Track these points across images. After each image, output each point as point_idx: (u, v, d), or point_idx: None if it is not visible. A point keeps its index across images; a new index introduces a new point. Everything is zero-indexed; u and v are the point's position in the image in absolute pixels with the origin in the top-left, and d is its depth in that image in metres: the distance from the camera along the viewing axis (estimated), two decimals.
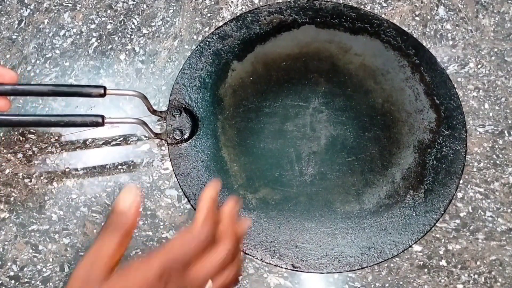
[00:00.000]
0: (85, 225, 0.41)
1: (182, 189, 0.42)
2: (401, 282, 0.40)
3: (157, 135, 0.42)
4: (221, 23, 0.49)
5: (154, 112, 0.43)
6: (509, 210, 0.43)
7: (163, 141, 0.43)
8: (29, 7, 0.49)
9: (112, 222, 0.29)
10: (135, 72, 0.47)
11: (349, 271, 0.40)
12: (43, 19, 0.49)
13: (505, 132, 0.47)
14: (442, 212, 0.42)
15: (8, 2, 0.49)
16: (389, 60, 0.48)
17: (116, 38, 0.48)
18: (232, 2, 0.51)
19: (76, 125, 0.38)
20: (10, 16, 0.48)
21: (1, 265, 0.39)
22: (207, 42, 0.47)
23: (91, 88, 0.38)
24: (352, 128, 0.45)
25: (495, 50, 0.50)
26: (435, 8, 0.52)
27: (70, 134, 0.44)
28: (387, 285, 0.40)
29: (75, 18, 0.49)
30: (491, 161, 0.45)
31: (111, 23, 0.49)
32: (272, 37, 0.48)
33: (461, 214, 0.43)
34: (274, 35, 0.48)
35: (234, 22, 0.48)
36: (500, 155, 0.46)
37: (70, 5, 0.49)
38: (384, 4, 0.51)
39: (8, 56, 0.47)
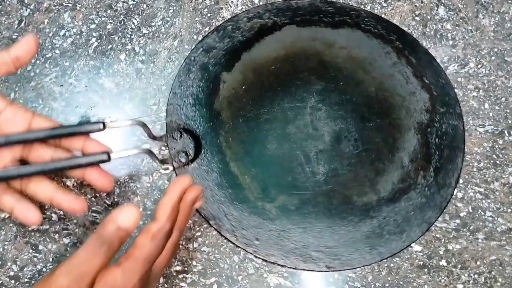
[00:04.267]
0: (85, 225, 0.41)
1: (199, 212, 0.41)
2: (401, 282, 0.40)
3: (163, 162, 0.42)
4: (221, 23, 0.49)
5: (154, 138, 0.41)
6: (509, 210, 0.43)
7: (169, 165, 0.42)
8: (29, 7, 0.49)
9: (107, 233, 0.27)
10: (135, 72, 0.47)
11: (382, 260, 0.40)
12: (43, 19, 0.49)
13: (505, 132, 0.47)
14: (454, 186, 0.43)
15: (8, 2, 0.49)
16: (374, 48, 0.48)
17: (116, 38, 0.48)
18: (232, 2, 0.51)
19: (82, 166, 0.36)
20: (10, 16, 0.48)
21: (1, 265, 0.39)
22: (193, 58, 0.46)
23: (89, 126, 0.36)
24: (352, 120, 0.45)
25: (495, 50, 0.50)
26: (435, 8, 0.52)
27: None
28: (387, 285, 0.40)
29: (75, 18, 0.49)
30: (491, 161, 0.45)
31: (111, 23, 0.49)
32: (256, 43, 0.47)
33: (461, 214, 0.43)
34: (257, 40, 0.48)
35: (215, 33, 0.47)
36: (500, 155, 0.46)
37: (70, 5, 0.49)
38: (384, 4, 0.51)
39: None
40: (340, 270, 0.40)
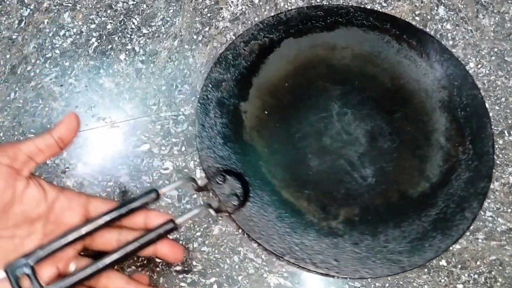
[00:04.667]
0: None
1: (269, 249, 0.39)
2: (401, 282, 0.40)
3: (217, 211, 0.39)
4: (221, 23, 0.49)
5: (201, 189, 0.40)
6: (509, 210, 0.43)
7: (225, 213, 0.41)
8: (29, 7, 0.49)
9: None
10: (135, 72, 0.47)
11: (457, 241, 0.40)
12: (43, 19, 0.49)
13: (505, 132, 0.47)
14: (493, 153, 0.43)
15: (8, 2, 0.49)
16: (374, 41, 0.48)
17: (116, 38, 0.48)
18: (232, 2, 0.51)
19: (153, 242, 0.34)
20: (10, 16, 0.48)
21: None
22: (205, 96, 0.44)
23: (143, 198, 0.35)
24: (379, 116, 0.45)
25: (495, 50, 0.50)
26: (435, 8, 0.52)
27: None
28: (387, 285, 0.40)
29: (75, 18, 0.49)
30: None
31: (111, 23, 0.49)
32: (261, 65, 0.46)
33: None
34: (262, 61, 0.47)
35: (218, 66, 0.45)
36: (500, 155, 0.46)
37: (70, 5, 0.49)
38: (384, 4, 0.51)
39: (8, 56, 0.47)
40: (422, 265, 0.40)
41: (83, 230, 0.33)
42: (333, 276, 0.39)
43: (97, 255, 0.35)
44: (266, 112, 0.44)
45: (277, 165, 0.43)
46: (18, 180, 0.32)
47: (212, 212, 0.38)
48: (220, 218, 0.41)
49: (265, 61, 0.47)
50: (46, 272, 0.33)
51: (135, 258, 0.40)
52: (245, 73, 0.46)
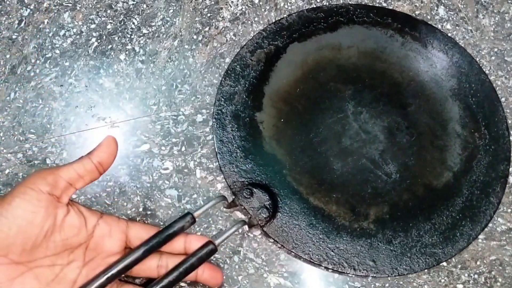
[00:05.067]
0: None
1: (305, 258, 0.39)
2: (401, 282, 0.40)
3: (250, 226, 0.40)
4: (221, 23, 0.49)
5: (230, 206, 0.40)
6: (509, 210, 0.43)
7: (257, 227, 0.41)
8: (29, 7, 0.49)
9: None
10: (135, 72, 0.47)
11: (487, 226, 0.41)
12: (43, 19, 0.49)
13: (505, 132, 0.46)
14: (508, 135, 0.45)
15: (8, 2, 0.49)
16: (377, 37, 0.49)
17: (116, 38, 0.48)
18: (232, 2, 0.51)
19: (196, 267, 0.35)
20: (10, 16, 0.48)
21: None
22: (219, 111, 0.44)
23: (180, 223, 0.35)
24: (394, 111, 0.46)
25: (495, 50, 0.50)
26: (435, 8, 0.52)
27: (70, 134, 0.44)
28: (387, 285, 0.40)
29: (75, 18, 0.49)
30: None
31: (111, 23, 0.49)
32: (270, 73, 0.46)
33: None
34: (270, 69, 0.46)
35: (227, 79, 0.45)
36: None
37: (70, 5, 0.49)
38: (384, 4, 0.51)
39: (8, 56, 0.47)
40: (456, 255, 0.40)
41: (126, 263, 0.33)
42: (373, 277, 0.39)
43: (142, 284, 0.36)
44: (282, 120, 0.44)
45: (301, 172, 0.43)
46: (58, 208, 0.32)
47: (246, 228, 0.39)
48: (220, 218, 0.41)
49: (273, 68, 0.47)
50: None
51: None
52: (256, 83, 0.46)
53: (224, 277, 0.39)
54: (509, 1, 0.53)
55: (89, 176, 0.33)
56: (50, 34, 0.48)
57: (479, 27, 0.51)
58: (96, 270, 0.33)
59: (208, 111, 0.46)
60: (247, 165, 0.42)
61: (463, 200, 0.42)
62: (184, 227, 0.35)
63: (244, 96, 0.45)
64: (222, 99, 0.44)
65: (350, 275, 0.40)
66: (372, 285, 0.40)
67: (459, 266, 0.41)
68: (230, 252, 0.40)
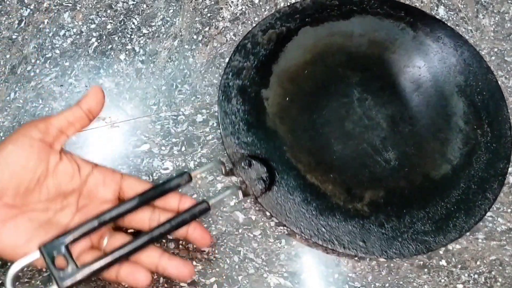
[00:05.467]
0: None
1: (296, 232, 0.39)
2: (401, 282, 0.40)
3: (245, 195, 0.40)
4: (221, 23, 0.49)
5: (227, 174, 0.40)
6: (509, 210, 0.43)
7: (252, 197, 0.41)
8: (29, 7, 0.49)
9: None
10: (135, 72, 0.47)
11: (481, 220, 0.41)
12: (43, 19, 0.49)
13: None
14: (510, 134, 0.44)
15: (8, 2, 0.49)
16: (389, 28, 0.49)
17: (116, 38, 0.48)
18: (232, 2, 0.51)
19: (187, 222, 0.35)
20: (10, 16, 0.48)
21: (1, 265, 0.39)
22: (226, 84, 0.44)
23: (177, 180, 0.36)
24: (399, 101, 0.46)
25: (495, 50, 0.50)
26: (435, 8, 0.52)
27: None
28: (387, 285, 0.40)
29: (75, 18, 0.49)
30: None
31: (111, 23, 0.49)
32: (280, 53, 0.47)
33: None
34: (280, 50, 0.47)
35: (237, 54, 0.46)
36: None
37: (70, 5, 0.49)
38: None
39: (8, 56, 0.47)
40: (447, 244, 0.41)
41: (119, 211, 0.34)
42: (361, 257, 0.40)
43: (132, 232, 0.37)
44: (287, 99, 0.45)
45: (301, 150, 0.43)
46: (51, 154, 0.33)
47: (240, 195, 0.39)
48: (220, 218, 0.41)
49: (283, 49, 0.47)
50: (80, 244, 0.33)
51: None
52: (265, 61, 0.46)
53: (224, 277, 0.39)
54: (509, 1, 0.53)
55: (79, 123, 0.34)
56: (50, 34, 0.48)
57: (479, 27, 0.51)
58: (89, 216, 0.34)
59: (208, 111, 0.46)
60: (248, 138, 0.43)
61: (459, 193, 0.42)
62: (180, 184, 0.36)
63: (252, 73, 0.45)
64: (230, 73, 0.45)
65: (340, 253, 0.40)
66: (372, 285, 0.40)
67: (459, 266, 0.41)
68: (230, 252, 0.40)
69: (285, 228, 0.42)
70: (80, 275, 0.31)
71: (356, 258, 0.41)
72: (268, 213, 0.42)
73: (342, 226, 0.40)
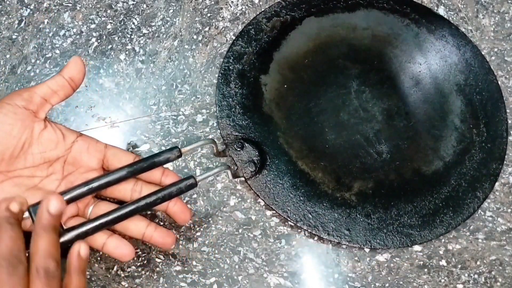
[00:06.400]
0: None
1: (283, 215, 0.40)
2: (401, 282, 0.40)
3: (234, 176, 0.41)
4: (221, 23, 0.49)
5: (219, 154, 0.41)
6: (509, 210, 0.43)
7: (241, 179, 0.41)
8: (29, 7, 0.49)
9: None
10: (135, 72, 0.47)
11: (469, 218, 0.42)
12: (43, 19, 0.49)
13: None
14: (506, 136, 0.45)
15: (8, 2, 0.49)
16: (394, 23, 0.49)
17: (116, 38, 0.48)
18: (232, 2, 0.51)
19: (173, 196, 0.35)
20: (10, 16, 0.48)
21: None
22: (227, 67, 0.46)
23: (166, 154, 0.36)
24: (397, 95, 0.47)
25: (495, 50, 0.50)
26: (435, 8, 0.52)
27: None
28: (387, 285, 0.40)
29: (75, 18, 0.49)
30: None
31: (111, 23, 0.49)
32: (283, 41, 0.48)
33: None
34: (283, 37, 0.48)
35: (240, 39, 0.47)
36: None
37: (70, 5, 0.49)
38: None
39: (8, 56, 0.47)
40: (432, 239, 0.41)
41: (108, 179, 0.34)
42: (344, 245, 0.40)
43: (117, 203, 0.37)
44: (285, 86, 0.46)
45: (295, 136, 0.44)
46: (35, 122, 0.33)
47: (229, 175, 0.39)
48: (220, 218, 0.41)
49: (286, 37, 0.48)
50: (67, 210, 0.34)
51: (135, 258, 0.40)
52: (267, 48, 0.47)
53: (224, 277, 0.39)
54: (509, 1, 0.53)
55: (62, 91, 0.35)
56: (50, 34, 0.48)
57: (479, 27, 0.51)
58: (74, 183, 0.35)
59: (208, 111, 0.46)
60: (243, 121, 0.43)
61: (449, 190, 0.43)
62: (169, 158, 0.36)
63: (253, 58, 0.46)
64: (231, 57, 0.46)
65: (324, 239, 0.40)
66: (372, 285, 0.40)
67: (459, 266, 0.41)
68: (230, 252, 0.40)
69: (285, 228, 0.42)
70: (64, 237, 0.31)
71: (356, 258, 0.41)
72: (268, 213, 0.42)
73: (329, 213, 0.41)
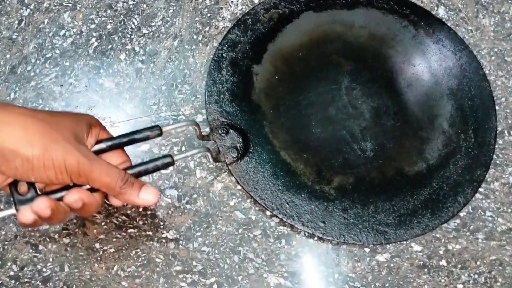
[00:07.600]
0: (85, 225, 0.41)
1: (260, 203, 0.40)
2: (401, 282, 0.40)
3: (216, 160, 0.41)
4: (221, 23, 0.49)
5: (203, 138, 0.41)
6: (509, 210, 0.43)
7: (222, 164, 0.42)
8: (29, 7, 0.49)
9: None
10: (135, 72, 0.47)
11: (447, 222, 0.42)
12: (43, 19, 0.49)
13: (505, 132, 0.47)
14: (494, 144, 0.44)
15: (8, 2, 0.49)
16: (391, 24, 0.49)
17: (116, 38, 0.48)
18: (232, 2, 0.51)
19: (149, 172, 0.36)
20: (10, 16, 0.48)
21: (1, 265, 0.39)
22: (220, 54, 0.46)
23: (146, 131, 0.36)
24: (387, 95, 0.47)
25: (495, 50, 0.50)
26: (435, 8, 0.52)
27: None
28: (387, 285, 0.40)
29: (75, 18, 0.49)
30: (491, 161, 0.45)
31: (111, 23, 0.49)
32: (278, 33, 0.48)
33: (461, 214, 0.43)
34: (279, 30, 0.48)
35: (236, 28, 0.47)
36: (500, 155, 0.46)
37: (70, 5, 0.49)
38: None
39: (8, 56, 0.47)
40: (407, 240, 0.41)
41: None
42: (318, 237, 0.40)
43: None
44: (277, 77, 0.46)
45: (281, 127, 0.44)
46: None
47: (210, 158, 0.39)
48: (220, 218, 0.41)
49: (282, 30, 0.48)
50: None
51: (135, 258, 0.40)
52: (262, 38, 0.47)
53: (224, 277, 0.39)
54: (509, 1, 0.53)
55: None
56: (50, 34, 0.48)
57: (479, 27, 0.51)
58: None
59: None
60: (231, 108, 0.44)
61: (430, 192, 0.43)
62: (149, 136, 0.36)
63: (247, 47, 0.46)
64: (226, 45, 0.46)
65: (298, 229, 0.41)
66: (372, 285, 0.40)
67: (459, 266, 0.41)
68: (230, 252, 0.40)
69: (285, 228, 0.42)
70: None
71: (356, 258, 0.41)
72: (268, 213, 0.42)
73: (306, 204, 0.41)
